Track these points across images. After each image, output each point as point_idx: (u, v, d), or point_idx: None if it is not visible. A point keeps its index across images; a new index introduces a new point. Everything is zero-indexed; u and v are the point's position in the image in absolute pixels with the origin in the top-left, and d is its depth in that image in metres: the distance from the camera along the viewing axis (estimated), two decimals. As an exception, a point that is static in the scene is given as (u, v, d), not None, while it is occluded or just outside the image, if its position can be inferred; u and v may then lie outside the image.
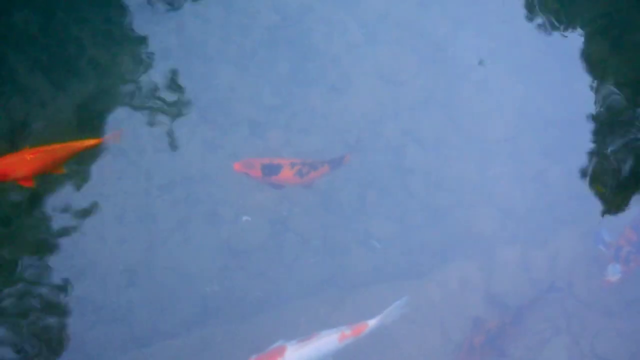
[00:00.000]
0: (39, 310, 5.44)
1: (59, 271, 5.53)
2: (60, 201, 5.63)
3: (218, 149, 5.83)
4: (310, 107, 5.97)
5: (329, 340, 5.01)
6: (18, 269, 5.49)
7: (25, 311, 5.42)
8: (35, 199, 5.61)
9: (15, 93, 5.78)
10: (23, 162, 4.90)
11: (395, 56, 6.11)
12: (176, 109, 5.85)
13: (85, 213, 5.65)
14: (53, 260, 5.53)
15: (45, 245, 5.56)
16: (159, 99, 5.85)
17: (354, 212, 5.80)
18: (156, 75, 5.90)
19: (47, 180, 5.59)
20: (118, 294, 5.54)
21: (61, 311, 5.46)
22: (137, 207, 5.72)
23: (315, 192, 5.79)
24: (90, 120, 5.77)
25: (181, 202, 5.74)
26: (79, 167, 5.69)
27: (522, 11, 6.21)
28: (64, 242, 5.58)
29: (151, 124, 5.82)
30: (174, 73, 5.90)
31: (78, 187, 5.67)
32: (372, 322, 5.14)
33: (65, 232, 5.60)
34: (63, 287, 5.51)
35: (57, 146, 4.97)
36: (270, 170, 5.50)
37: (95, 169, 5.71)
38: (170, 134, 5.82)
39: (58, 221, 5.61)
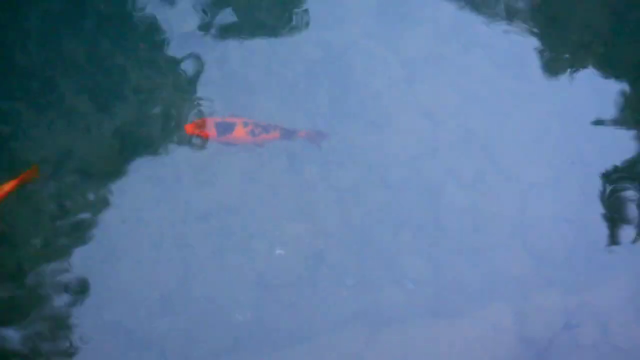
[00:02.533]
0: (71, 333, 5.49)
1: (94, 294, 5.59)
2: (98, 224, 5.71)
3: (255, 181, 5.87)
4: (349, 142, 5.98)
5: None
6: (52, 290, 5.56)
7: (57, 334, 5.48)
8: (72, 221, 5.70)
9: (61, 118, 5.90)
10: None
11: (436, 94, 6.10)
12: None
13: (122, 237, 5.72)
14: (88, 283, 5.60)
15: (80, 268, 5.63)
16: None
17: (389, 248, 5.78)
18: (198, 104, 5.97)
19: (84, 202, 5.70)
20: (151, 319, 5.58)
21: (94, 335, 5.51)
22: (173, 234, 5.77)
23: (350, 228, 5.80)
24: (132, 146, 5.86)
25: (217, 232, 5.78)
26: (115, 192, 5.78)
27: (565, 54, 6.19)
28: (100, 265, 5.65)
29: (191, 153, 5.88)
30: (215, 103, 5.96)
31: (116, 212, 5.75)
32: None
33: (101, 255, 5.66)
34: (97, 310, 5.56)
35: None
36: (225, 128, 5.55)
37: (133, 195, 5.79)
38: (208, 164, 5.87)
39: (94, 245, 5.68)
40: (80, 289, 5.60)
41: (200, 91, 6.00)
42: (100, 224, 5.72)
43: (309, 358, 5.50)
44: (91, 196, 5.76)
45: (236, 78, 6.07)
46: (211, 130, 5.59)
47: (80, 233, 5.70)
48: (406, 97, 6.10)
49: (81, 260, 5.66)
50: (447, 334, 5.64)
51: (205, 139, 5.67)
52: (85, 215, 5.72)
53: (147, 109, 5.89)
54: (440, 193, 5.92)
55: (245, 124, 5.65)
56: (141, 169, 5.83)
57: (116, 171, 5.81)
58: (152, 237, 5.75)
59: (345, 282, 5.69)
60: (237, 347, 5.56)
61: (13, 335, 5.47)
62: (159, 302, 5.63)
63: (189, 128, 5.62)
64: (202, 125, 5.60)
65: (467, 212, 5.88)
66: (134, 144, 5.86)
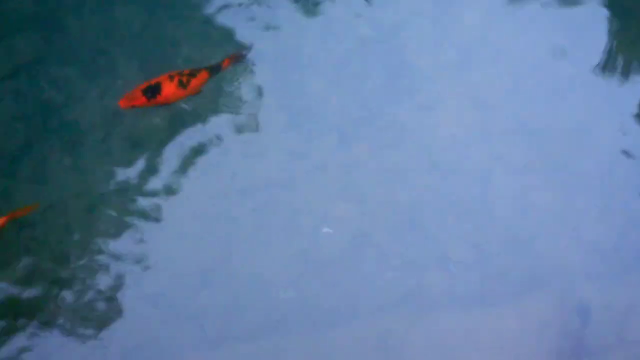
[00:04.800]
0: (111, 304, 5.48)
1: (135, 265, 5.57)
2: (143, 194, 5.69)
3: (304, 158, 5.82)
4: (399, 123, 5.93)
5: None
6: (94, 261, 5.54)
7: (98, 304, 5.46)
8: (118, 188, 5.68)
9: (111, 82, 5.87)
10: None
11: (488, 79, 6.04)
12: (265, 114, 5.86)
13: (165, 208, 5.69)
14: (130, 254, 5.58)
15: (123, 238, 5.61)
16: (249, 102, 5.88)
17: (435, 232, 5.73)
18: (248, 79, 5.93)
19: (131, 170, 5.67)
20: (193, 292, 5.54)
21: (134, 305, 5.49)
22: (217, 208, 5.73)
23: (397, 209, 5.74)
24: (180, 117, 5.83)
25: (262, 208, 5.73)
26: (161, 162, 5.75)
27: (626, 45, 6.09)
28: (142, 235, 5.63)
29: (238, 126, 5.84)
30: (266, 78, 5.92)
31: (161, 182, 5.72)
32: None
33: (144, 225, 5.64)
34: (137, 282, 5.54)
35: None
36: (153, 91, 5.35)
37: (179, 165, 5.76)
38: (257, 139, 5.83)
39: (138, 214, 5.66)
40: (122, 260, 5.57)
41: (251, 65, 5.95)
42: (146, 193, 5.70)
43: (351, 338, 5.45)
44: (138, 163, 5.74)
45: (288, 53, 6.03)
46: (140, 98, 5.37)
47: (124, 201, 5.68)
48: (458, 81, 6.04)
49: (124, 230, 5.63)
50: (489, 322, 5.59)
51: (141, 107, 5.46)
52: (131, 183, 5.70)
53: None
54: (488, 179, 5.86)
55: (171, 78, 5.43)
56: (188, 140, 5.79)
57: (163, 141, 5.78)
58: (196, 209, 5.72)
59: (391, 263, 5.64)
60: (278, 325, 5.51)
61: (58, 302, 5.46)
62: (200, 275, 5.60)
63: (122, 103, 5.42)
64: (132, 97, 5.40)
65: (515, 199, 5.82)
66: (182, 114, 5.82)
